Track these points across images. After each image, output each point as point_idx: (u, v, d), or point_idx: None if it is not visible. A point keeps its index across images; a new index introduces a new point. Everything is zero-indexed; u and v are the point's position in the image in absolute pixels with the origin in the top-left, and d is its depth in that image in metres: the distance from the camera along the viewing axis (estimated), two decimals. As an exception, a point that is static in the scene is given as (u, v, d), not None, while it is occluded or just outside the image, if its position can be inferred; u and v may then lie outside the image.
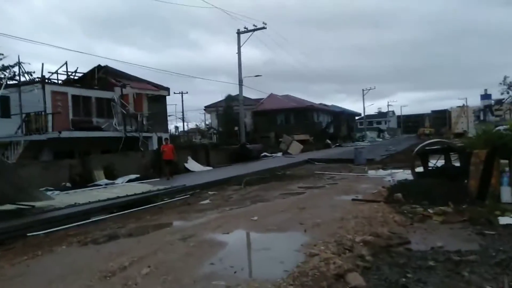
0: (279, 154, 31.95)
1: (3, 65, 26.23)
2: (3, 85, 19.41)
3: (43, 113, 17.70)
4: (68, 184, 14.14)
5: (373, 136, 65.84)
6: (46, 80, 19.51)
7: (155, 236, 6.86)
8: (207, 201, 10.72)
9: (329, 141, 46.22)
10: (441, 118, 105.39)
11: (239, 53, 26.74)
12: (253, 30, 26.09)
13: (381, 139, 64.77)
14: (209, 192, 12.43)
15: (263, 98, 53.49)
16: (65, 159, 15.48)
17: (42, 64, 18.98)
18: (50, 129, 18.15)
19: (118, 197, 10.85)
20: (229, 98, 46.07)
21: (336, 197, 10.08)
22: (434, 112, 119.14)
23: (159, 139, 19.63)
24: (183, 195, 11.96)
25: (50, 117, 18.17)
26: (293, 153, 32.16)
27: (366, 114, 75.11)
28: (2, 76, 22.75)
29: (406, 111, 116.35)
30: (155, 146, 21.13)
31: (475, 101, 76.51)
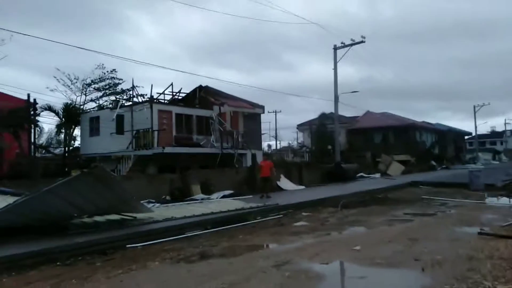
0: (377, 175, 29.77)
1: (122, 88, 29.60)
2: (119, 105, 21.63)
3: (150, 130, 19.09)
4: (168, 197, 14.78)
5: (487, 158, 58.00)
6: (154, 100, 21.15)
7: (248, 259, 6.39)
8: (302, 222, 10.02)
9: (434, 163, 41.88)
10: None
11: (335, 68, 25.87)
12: (351, 45, 25.06)
13: (497, 162, 56.65)
14: (303, 213, 11.72)
15: (358, 116, 51.24)
16: (166, 174, 16.30)
17: (151, 85, 20.66)
18: (155, 145, 19.50)
19: (212, 213, 10.81)
20: (323, 116, 45.04)
21: (455, 228, 8.52)
22: None
23: (253, 156, 19.69)
24: (276, 215, 11.46)
25: (156, 134, 19.54)
26: (393, 175, 29.69)
27: (477, 133, 66.87)
28: (119, 97, 25.47)
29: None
30: (249, 163, 21.24)
31: None
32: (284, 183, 20.63)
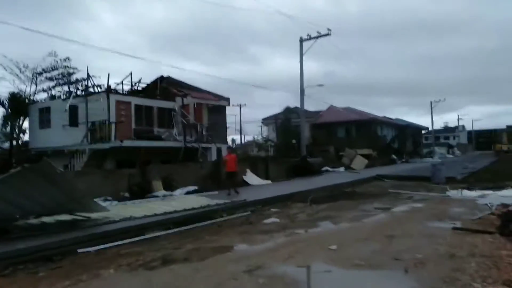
0: (341, 169, 29.98)
1: (76, 78, 27.63)
2: (72, 95, 20.07)
3: (107, 122, 17.82)
4: (126, 194, 13.74)
5: (442, 152, 60.68)
6: (111, 90, 19.81)
7: (216, 264, 5.74)
8: (271, 219, 9.49)
9: (394, 157, 43.07)
10: (506, 134, 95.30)
11: (301, 61, 25.58)
12: (317, 37, 24.83)
13: (452, 156, 59.47)
14: (272, 209, 11.22)
15: (322, 111, 51.71)
16: (125, 169, 15.21)
17: (108, 74, 19.35)
18: (113, 138, 18.25)
19: (176, 211, 10.02)
20: (288, 110, 44.96)
21: (427, 223, 8.32)
22: (510, 127, 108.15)
23: (219, 150, 18.95)
24: (244, 212, 10.86)
25: (113, 126, 18.28)
26: (356, 169, 30.03)
27: (433, 128, 69.82)
28: (73, 87, 23.70)
29: (477, 126, 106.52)
30: (214, 157, 20.50)
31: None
32: (250, 178, 20.05)
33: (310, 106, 51.88)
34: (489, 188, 15.65)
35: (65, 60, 27.40)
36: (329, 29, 24.43)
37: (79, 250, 6.89)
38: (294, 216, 9.95)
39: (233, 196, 12.90)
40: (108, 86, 19.21)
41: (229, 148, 16.00)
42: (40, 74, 27.98)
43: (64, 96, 21.60)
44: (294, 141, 43.61)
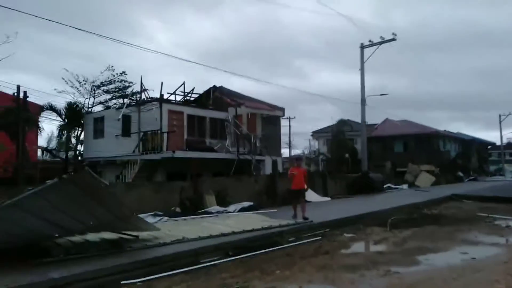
0: (405, 186, 27.27)
1: (132, 91, 27.79)
2: (126, 104, 19.65)
3: (159, 132, 17.03)
4: (177, 209, 12.59)
5: (512, 170, 54.77)
6: (164, 99, 19.13)
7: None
8: (351, 249, 7.72)
9: (461, 174, 39.13)
10: None
11: (362, 69, 23.59)
12: (380, 43, 22.79)
13: (525, 175, 53.35)
14: (345, 235, 9.41)
15: (377, 124, 48.73)
16: (176, 181, 14.15)
17: (161, 83, 18.62)
18: (165, 149, 17.42)
19: (234, 233, 8.57)
20: (342, 122, 42.68)
21: None
22: None
23: (274, 162, 17.43)
24: (312, 236, 9.17)
25: (165, 136, 17.47)
26: (421, 186, 27.16)
27: (494, 144, 63.56)
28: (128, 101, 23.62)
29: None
30: (269, 171, 19.00)
31: None
32: (309, 194, 18.18)
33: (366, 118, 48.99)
34: None
35: (121, 74, 27.90)
36: (394, 34, 22.37)
37: (123, 282, 5.61)
38: (377, 245, 8.09)
39: (299, 219, 10.61)
40: (161, 95, 18.52)
41: (297, 159, 13.65)
42: (98, 87, 28.64)
43: (118, 106, 21.34)
44: (347, 155, 41.18)
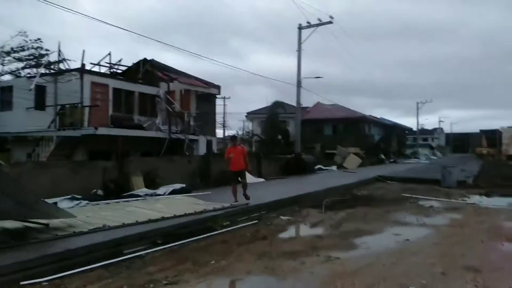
0: (334, 167, 28.28)
1: (49, 61, 24.70)
2: (39, 73, 17.28)
3: (79, 105, 15.24)
4: (100, 192, 11.34)
5: (426, 153, 60.23)
6: (86, 70, 17.17)
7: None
8: (289, 233, 7.42)
9: (383, 156, 41.91)
10: (490, 138, 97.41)
11: (299, 51, 23.48)
12: (317, 25, 22.80)
13: (435, 157, 59.06)
14: (282, 217, 9.14)
15: (309, 107, 49.96)
16: (99, 161, 12.77)
17: (83, 50, 16.26)
18: (86, 125, 15.69)
19: (164, 219, 7.78)
20: (276, 104, 42.96)
21: (496, 244, 6.44)
22: (482, 131, 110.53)
23: (209, 143, 16.64)
24: (248, 220, 8.74)
25: (87, 111, 15.72)
26: (349, 168, 28.38)
27: (411, 130, 69.55)
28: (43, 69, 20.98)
29: (452, 129, 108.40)
30: (202, 151, 18.20)
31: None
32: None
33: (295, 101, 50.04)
34: (508, 195, 14.18)
35: (36, 40, 24.76)
36: (331, 17, 22.48)
37: (23, 283, 4.60)
38: (315, 228, 7.90)
39: (240, 201, 9.89)
40: (82, 64, 16.54)
41: (233, 138, 11.88)
42: (8, 53, 25.15)
43: (30, 75, 18.78)
44: (280, 137, 41.72)
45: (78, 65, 17.10)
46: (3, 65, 25.28)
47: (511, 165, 38.41)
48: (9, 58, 25.72)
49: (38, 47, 25.15)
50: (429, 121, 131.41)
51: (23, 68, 24.32)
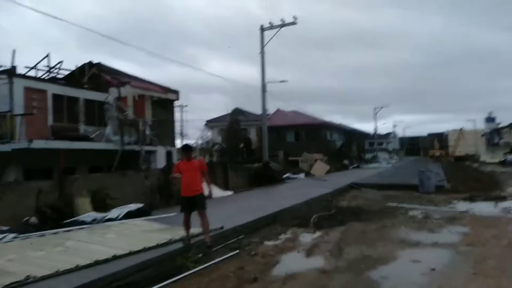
0: (301, 175, 27.06)
1: None
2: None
3: (8, 114, 12.65)
4: (33, 220, 9.02)
5: (385, 157, 61.35)
6: (18, 74, 14.54)
7: None
8: (283, 268, 5.73)
9: (346, 162, 41.59)
10: (437, 141, 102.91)
11: (262, 52, 22.14)
12: (281, 26, 21.56)
13: (394, 161, 60.24)
14: (267, 243, 7.47)
15: (269, 114, 48.94)
16: (32, 181, 10.40)
17: (14, 50, 13.62)
18: (19, 137, 13.09)
19: (116, 258, 5.82)
20: (236, 111, 41.39)
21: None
22: (430, 135, 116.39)
23: (168, 153, 14.59)
24: (224, 248, 6.97)
25: (19, 121, 13.12)
26: (317, 175, 27.31)
27: (369, 135, 70.94)
28: None
29: (405, 133, 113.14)
30: (161, 163, 16.10)
31: (471, 125, 74.57)
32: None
33: (255, 108, 49.02)
34: (491, 199, 13.58)
35: None
36: (294, 17, 21.34)
37: None
38: (312, 258, 6.30)
39: (201, 245, 6.90)
40: (13, 66, 13.93)
41: (185, 149, 7.42)
42: None
43: None
44: (242, 145, 40.18)
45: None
46: None
47: (472, 167, 39.65)
48: None
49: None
50: (382, 126, 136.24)
51: None
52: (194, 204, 6.94)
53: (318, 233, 8.25)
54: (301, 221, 9.40)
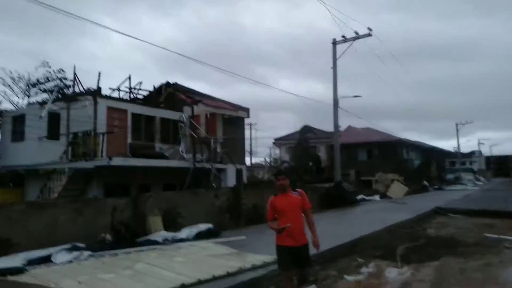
0: (376, 197, 25.25)
1: (62, 86, 23.80)
2: (52, 99, 15.80)
3: (92, 132, 13.42)
4: (108, 237, 9.15)
5: (470, 178, 55.44)
6: (102, 95, 15.53)
7: None
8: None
9: (426, 183, 38.25)
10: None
11: (334, 67, 21.30)
12: (354, 39, 20.64)
13: (481, 182, 54.23)
14: (347, 277, 6.58)
15: (340, 131, 47.25)
16: (108, 198, 10.70)
17: (99, 73, 14.78)
18: (102, 155, 13.80)
19: (184, 287, 5.42)
20: (306, 129, 40.56)
21: None
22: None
23: (238, 172, 14.35)
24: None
25: (102, 139, 13.87)
26: (393, 197, 25.28)
27: (451, 153, 64.89)
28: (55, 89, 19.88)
29: (488, 151, 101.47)
30: (231, 182, 15.93)
31: None
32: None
33: (324, 125, 47.83)
34: None
35: (59, 71, 24.20)
36: (369, 29, 20.30)
37: None
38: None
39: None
40: (98, 87, 14.89)
41: (280, 175, 4.87)
42: (33, 85, 24.58)
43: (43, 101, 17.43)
44: (311, 163, 39.11)
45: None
46: (29, 97, 24.57)
47: None
48: (35, 89, 25.06)
49: (63, 78, 24.50)
50: (465, 144, 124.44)
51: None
52: (299, 258, 4.63)
53: (406, 268, 7.14)
54: (384, 252, 8.32)
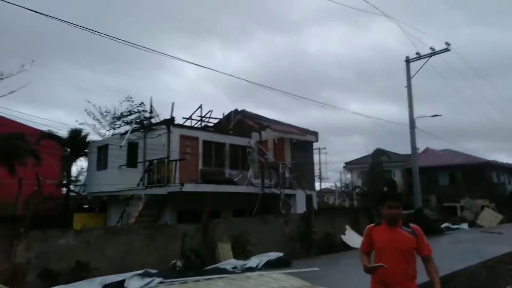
0: (465, 225, 22.66)
1: (151, 122, 25.67)
2: (130, 129, 16.89)
3: (165, 160, 13.94)
4: (179, 264, 9.16)
5: None
6: (175, 123, 16.23)
7: None
8: None
9: (523, 210, 33.57)
10: None
11: (408, 85, 20.05)
12: (431, 55, 19.32)
13: None
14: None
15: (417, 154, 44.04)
16: (179, 224, 10.84)
17: (173, 103, 15.62)
18: (174, 181, 14.23)
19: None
20: (378, 152, 38.47)
21: None
22: None
23: (308, 198, 13.75)
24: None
25: (174, 166, 14.34)
26: (485, 226, 22.46)
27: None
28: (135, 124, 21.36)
29: None
30: (300, 208, 15.36)
31: None
32: (351, 238, 14.47)
33: (398, 148, 44.96)
34: None
35: (140, 105, 26.18)
36: (447, 43, 18.87)
37: None
38: None
39: None
40: (171, 117, 15.59)
41: (389, 197, 3.52)
42: (118, 118, 26.89)
43: (123, 132, 18.74)
44: (386, 188, 36.83)
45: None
46: (114, 129, 26.95)
47: None
48: (119, 122, 27.41)
49: (143, 110, 26.55)
50: None
51: (132, 131, 25.85)
52: None
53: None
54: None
